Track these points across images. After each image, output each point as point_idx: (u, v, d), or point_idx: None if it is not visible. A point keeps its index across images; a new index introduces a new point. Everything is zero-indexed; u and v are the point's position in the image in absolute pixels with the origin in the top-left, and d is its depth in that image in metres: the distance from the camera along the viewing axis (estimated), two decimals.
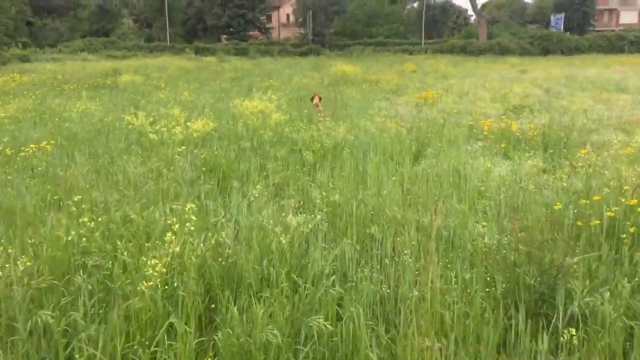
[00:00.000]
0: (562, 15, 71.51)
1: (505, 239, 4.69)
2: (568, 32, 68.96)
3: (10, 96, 16.63)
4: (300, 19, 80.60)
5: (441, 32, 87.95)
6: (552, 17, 74.81)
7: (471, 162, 7.62)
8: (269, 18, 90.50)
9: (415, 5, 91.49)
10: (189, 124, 8.33)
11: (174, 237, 3.74)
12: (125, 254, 3.69)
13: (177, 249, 3.64)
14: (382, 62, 42.66)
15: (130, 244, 3.93)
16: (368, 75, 26.92)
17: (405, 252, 4.49)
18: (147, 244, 3.93)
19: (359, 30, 78.50)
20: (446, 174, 7.12)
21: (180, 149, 7.47)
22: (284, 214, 4.59)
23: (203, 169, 6.51)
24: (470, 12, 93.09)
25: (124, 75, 23.89)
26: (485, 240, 4.87)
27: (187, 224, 3.87)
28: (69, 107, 11.58)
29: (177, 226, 3.85)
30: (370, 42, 70.21)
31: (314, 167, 7.28)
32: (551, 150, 8.38)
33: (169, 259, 3.55)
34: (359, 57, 54.39)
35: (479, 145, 8.92)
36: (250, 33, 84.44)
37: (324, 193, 5.81)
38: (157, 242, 3.89)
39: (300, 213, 5.70)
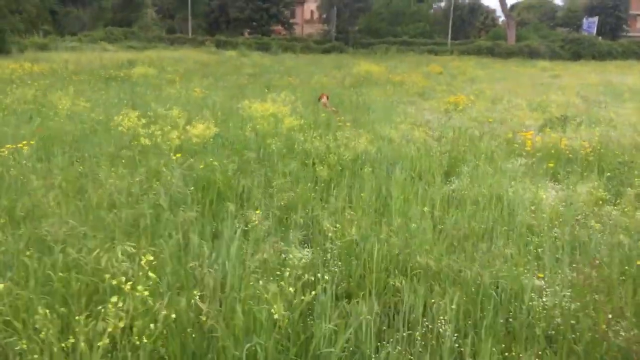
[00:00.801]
0: (596, 19, 69.31)
1: (576, 303, 3.53)
2: (600, 37, 66.78)
3: (14, 85, 15.74)
4: (324, 15, 79.42)
5: (468, 33, 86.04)
6: (584, 20, 72.63)
7: (514, 185, 6.43)
8: (293, 13, 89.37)
9: (443, 4, 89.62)
10: (189, 127, 7.25)
11: (121, 302, 2.65)
12: (46, 332, 2.59)
13: (122, 323, 2.55)
14: (407, 63, 41.29)
15: (62, 310, 2.85)
16: (392, 76, 25.69)
17: (442, 319, 3.35)
18: (77, 317, 2.82)
19: (383, 28, 77.04)
20: (485, 200, 5.95)
21: (175, 157, 6.41)
22: (286, 272, 3.39)
23: (192, 188, 5.40)
24: (499, 13, 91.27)
25: (137, 68, 22.95)
26: (545, 301, 3.72)
27: (140, 286, 2.77)
28: (66, 101, 10.55)
29: (128, 285, 2.76)
30: (395, 41, 68.70)
31: (328, 186, 6.16)
32: (608, 174, 7.15)
33: (107, 341, 2.46)
34: (382, 56, 53.01)
35: (520, 163, 7.73)
36: (273, 28, 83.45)
37: (337, 225, 4.69)
38: (99, 307, 2.80)
39: (307, 246, 4.60)
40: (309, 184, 5.99)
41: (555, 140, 8.74)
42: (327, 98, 13.87)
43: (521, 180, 6.74)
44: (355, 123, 10.86)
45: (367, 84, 21.36)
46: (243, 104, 8.71)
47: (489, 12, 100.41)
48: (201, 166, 5.90)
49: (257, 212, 4.76)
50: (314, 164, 6.86)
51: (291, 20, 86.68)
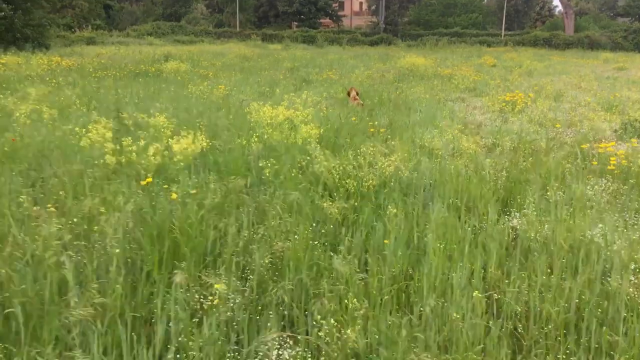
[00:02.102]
0: None
1: None
2: None
3: (33, 81, 14.69)
4: (373, 7, 77.26)
5: (522, 24, 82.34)
6: None
7: (601, 227, 4.64)
8: (342, 6, 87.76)
9: None
10: (172, 141, 5.71)
11: None
12: None
13: None
14: (458, 55, 38.95)
15: None
16: (441, 69, 23.71)
17: None
18: None
19: (434, 20, 74.44)
20: (562, 252, 4.22)
21: (144, 183, 4.91)
22: None
23: (131, 246, 3.83)
24: (556, 2, 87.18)
25: (169, 63, 21.77)
26: None
27: None
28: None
29: None
30: (446, 32, 66.09)
31: (338, 229, 4.51)
32: None
33: None
34: (432, 48, 50.73)
35: (603, 188, 5.88)
36: (321, 20, 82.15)
37: (332, 321, 3.06)
38: None
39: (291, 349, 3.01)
40: (313, 227, 4.36)
41: None
42: (358, 93, 12.36)
43: (609, 216, 4.93)
44: (392, 127, 9.16)
45: (412, 79, 19.50)
46: (251, 107, 7.10)
47: (545, 2, 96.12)
48: (160, 202, 4.36)
49: (218, 287, 3.18)
50: (328, 192, 5.23)
51: (339, 13, 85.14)
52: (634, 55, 46.47)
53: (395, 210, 4.62)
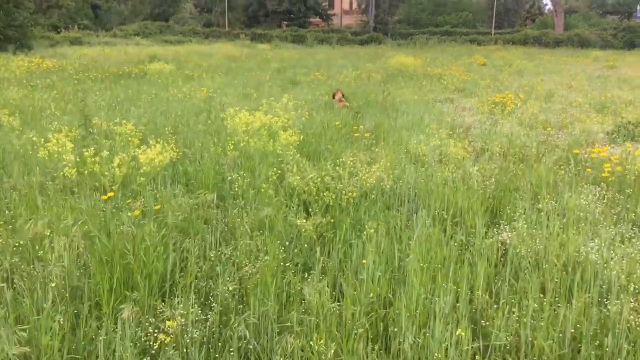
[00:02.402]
0: None
1: None
2: None
3: (10, 84, 14.24)
4: (363, 6, 76.90)
5: (513, 22, 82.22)
6: (638, 7, 68.14)
7: (597, 242, 4.32)
8: (331, 4, 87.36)
9: None
10: (139, 151, 5.30)
11: None
12: None
13: None
14: (448, 53, 38.67)
15: None
16: (430, 68, 23.40)
17: None
18: None
19: (424, 18, 74.30)
20: (555, 270, 3.90)
21: (108, 196, 4.54)
22: None
23: (80, 273, 3.45)
24: (546, 0, 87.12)
25: (154, 64, 21.33)
26: None
27: None
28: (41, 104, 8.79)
29: None
30: (436, 31, 65.94)
31: (314, 248, 4.15)
32: None
33: None
34: (422, 47, 50.49)
35: (597, 196, 5.55)
36: (311, 20, 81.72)
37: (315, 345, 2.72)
38: None
39: None
40: (284, 247, 4.00)
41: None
42: (343, 95, 12.06)
43: (604, 229, 4.60)
44: (378, 131, 8.82)
45: (401, 79, 19.16)
46: (227, 112, 6.67)
47: (535, 0, 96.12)
48: (118, 219, 3.99)
49: (170, 324, 2.82)
50: (305, 205, 4.85)
51: (329, 12, 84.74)
52: (623, 53, 46.41)
53: (375, 226, 4.27)
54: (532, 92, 15.59)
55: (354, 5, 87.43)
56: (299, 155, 6.24)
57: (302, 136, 6.34)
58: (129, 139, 5.75)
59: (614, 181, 5.96)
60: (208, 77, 19.29)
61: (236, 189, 4.84)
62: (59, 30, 50.90)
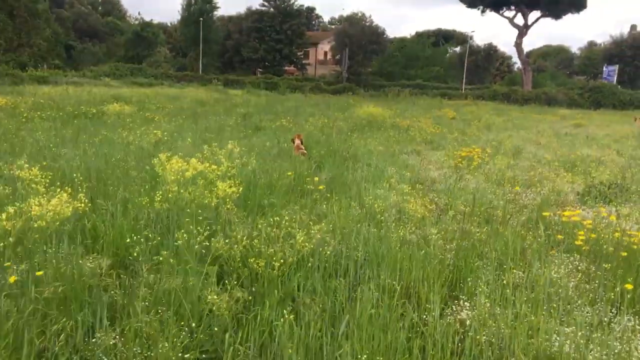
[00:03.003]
0: (616, 67, 66.90)
1: None
2: (619, 86, 64.39)
3: None
4: (337, 57, 77.82)
5: (483, 78, 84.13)
6: (604, 68, 70.31)
7: (572, 332, 3.60)
8: (307, 54, 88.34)
9: (458, 49, 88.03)
10: (34, 201, 4.45)
11: None
12: None
13: None
14: (419, 106, 38.79)
15: None
16: (399, 120, 23.07)
17: None
18: None
19: (397, 71, 75.37)
20: None
21: None
22: None
23: None
24: (515, 59, 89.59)
25: (113, 105, 20.53)
26: None
27: None
28: None
29: None
30: (408, 84, 66.74)
31: (230, 331, 3.33)
32: None
33: None
34: (394, 98, 50.84)
35: (571, 268, 4.87)
36: (286, 68, 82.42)
37: None
38: None
39: None
40: (189, 329, 3.19)
41: (615, 227, 5.89)
42: (302, 141, 11.54)
43: (579, 311, 3.90)
44: (334, 183, 8.12)
45: (368, 129, 18.70)
46: (159, 158, 5.90)
47: (504, 58, 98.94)
48: None
49: None
50: (226, 277, 4.03)
51: (304, 61, 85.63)
52: (590, 112, 47.32)
53: (324, 277, 3.49)
54: (500, 147, 15.20)
55: (329, 56, 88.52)
56: (235, 210, 5.48)
57: (241, 188, 5.59)
58: (33, 186, 4.92)
59: (588, 250, 5.31)
60: (169, 120, 18.55)
61: (135, 255, 4.00)
62: (25, 68, 49.91)
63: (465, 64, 74.01)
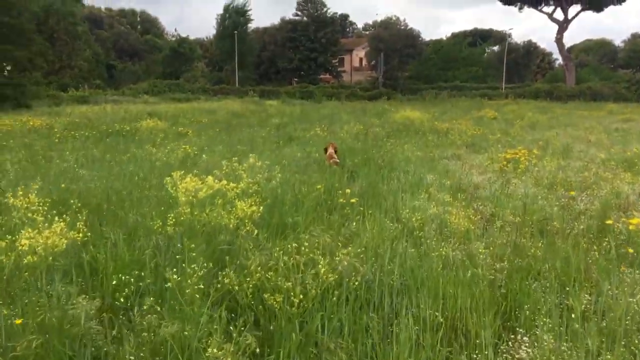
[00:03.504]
0: None
1: None
2: None
3: None
4: (373, 63, 77.12)
5: (523, 76, 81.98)
6: None
7: None
8: (342, 62, 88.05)
9: (496, 48, 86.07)
10: (23, 232, 3.97)
11: None
12: None
13: None
14: (458, 108, 37.71)
15: None
16: (438, 123, 22.23)
17: None
18: None
19: (434, 74, 74.17)
20: None
21: None
22: None
23: None
24: (556, 55, 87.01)
25: (146, 121, 20.37)
26: None
27: None
28: None
29: None
30: (446, 86, 65.55)
31: None
32: None
33: None
34: (432, 101, 49.82)
35: None
36: (321, 76, 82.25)
37: None
38: None
39: None
40: None
41: None
42: (335, 150, 10.95)
43: None
44: (368, 195, 7.48)
45: (405, 134, 17.97)
46: (172, 176, 5.37)
47: (545, 55, 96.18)
48: None
49: None
50: (237, 316, 3.43)
51: (340, 69, 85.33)
52: (638, 106, 45.27)
53: (330, 349, 2.87)
54: (547, 147, 14.26)
55: (364, 63, 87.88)
56: (256, 232, 4.91)
57: (261, 207, 5.01)
58: (30, 214, 4.46)
59: None
60: (202, 134, 18.23)
61: (122, 300, 3.41)
62: (67, 89, 50.97)
63: (505, 63, 72.21)
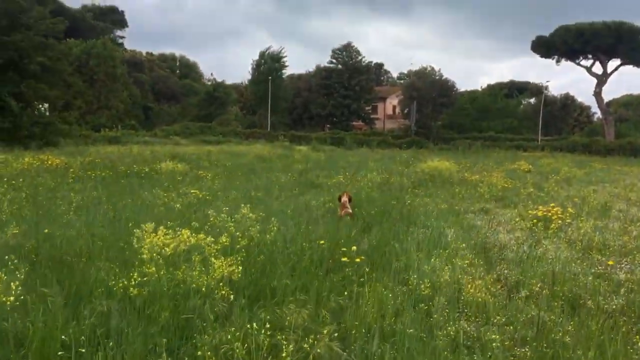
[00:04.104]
0: None
1: None
2: None
3: None
4: (406, 111, 76.85)
5: (560, 129, 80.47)
6: None
7: None
8: (375, 109, 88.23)
9: (533, 100, 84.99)
10: None
11: None
12: None
13: None
14: (491, 159, 36.66)
15: None
16: (469, 174, 21.35)
17: None
18: None
19: (468, 124, 73.19)
20: None
21: None
22: None
23: None
24: (594, 109, 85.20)
25: (166, 163, 20.03)
26: None
27: None
28: None
29: None
30: (480, 136, 64.51)
31: None
32: None
33: None
34: (464, 152, 48.80)
35: None
36: (354, 123, 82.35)
37: None
38: None
39: None
40: None
41: None
42: (350, 199, 10.31)
43: None
44: (379, 251, 6.71)
45: (431, 184, 17.16)
46: (143, 229, 4.71)
47: (583, 108, 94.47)
48: None
49: None
50: None
51: (373, 116, 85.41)
52: None
53: None
54: (583, 204, 13.26)
55: (397, 110, 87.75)
56: (232, 296, 4.19)
57: (240, 267, 4.30)
58: None
59: None
60: (220, 178, 17.74)
61: None
62: (99, 129, 51.77)
63: (541, 115, 70.99)
